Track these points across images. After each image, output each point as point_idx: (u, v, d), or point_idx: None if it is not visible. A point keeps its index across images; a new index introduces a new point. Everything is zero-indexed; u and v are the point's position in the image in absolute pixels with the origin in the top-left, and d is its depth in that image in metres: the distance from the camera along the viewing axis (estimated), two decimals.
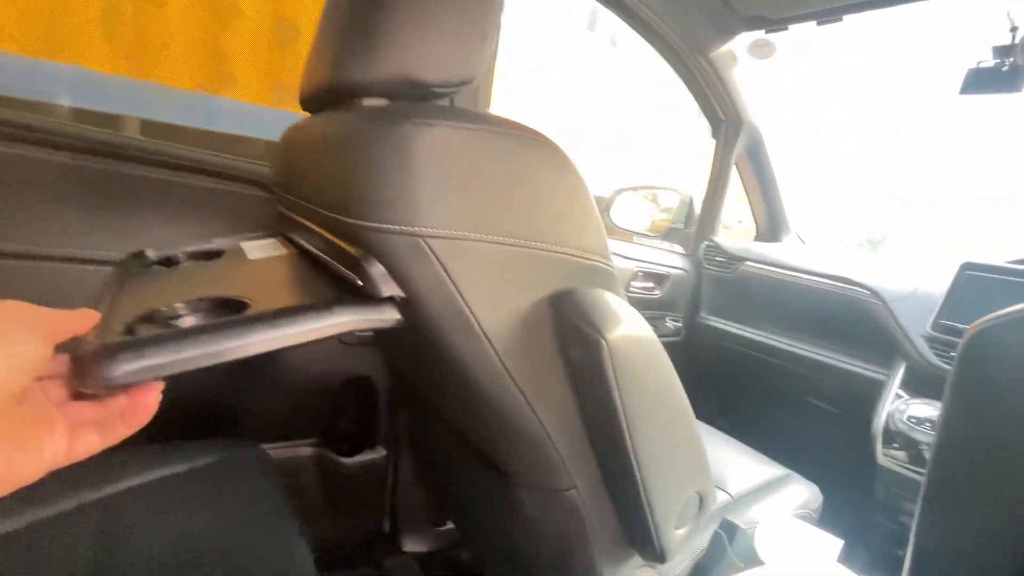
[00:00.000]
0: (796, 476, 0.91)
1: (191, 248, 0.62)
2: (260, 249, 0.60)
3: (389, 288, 0.38)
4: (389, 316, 0.39)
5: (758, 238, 1.58)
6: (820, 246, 1.53)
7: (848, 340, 1.18)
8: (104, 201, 0.74)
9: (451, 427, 0.64)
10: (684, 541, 0.55)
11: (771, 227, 1.57)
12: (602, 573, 0.56)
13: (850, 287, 1.15)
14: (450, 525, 1.10)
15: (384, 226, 0.36)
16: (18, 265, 0.71)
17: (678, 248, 1.61)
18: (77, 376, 0.28)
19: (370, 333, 0.43)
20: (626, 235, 1.68)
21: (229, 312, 0.39)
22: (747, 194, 1.57)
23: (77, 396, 0.29)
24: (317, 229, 0.47)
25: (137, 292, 0.44)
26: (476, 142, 0.37)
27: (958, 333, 0.95)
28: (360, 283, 0.38)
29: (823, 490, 0.91)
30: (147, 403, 0.30)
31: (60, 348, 0.28)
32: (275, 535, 0.62)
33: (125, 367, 0.29)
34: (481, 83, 0.98)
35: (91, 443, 0.28)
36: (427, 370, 0.57)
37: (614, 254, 1.35)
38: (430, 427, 0.78)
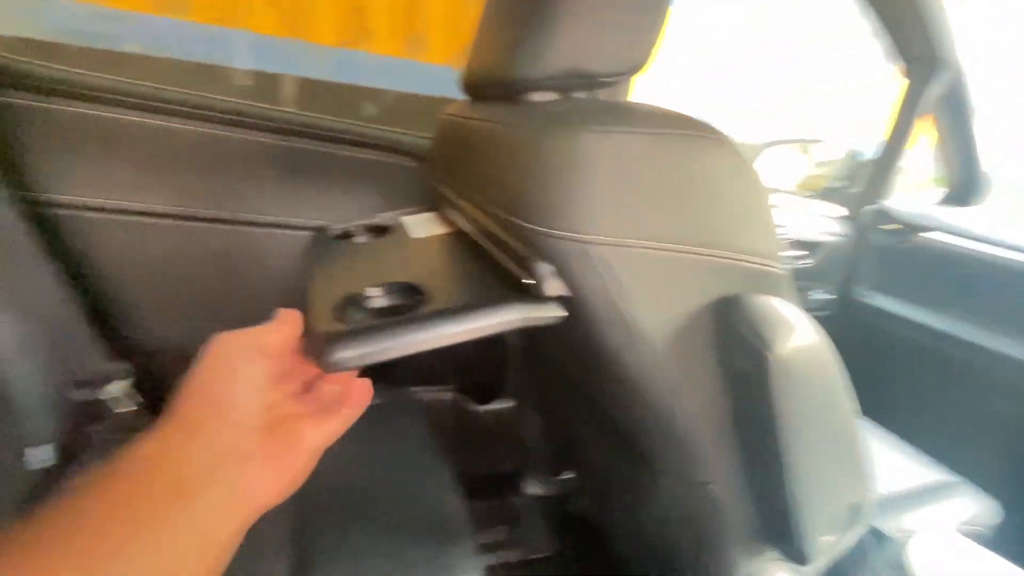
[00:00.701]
0: (967, 485, 0.81)
1: (361, 223, 0.70)
2: (422, 226, 0.66)
3: (556, 288, 0.40)
4: (555, 314, 0.41)
5: (947, 201, 1.33)
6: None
7: None
8: (287, 174, 0.85)
9: (586, 398, 0.67)
10: (831, 549, 0.53)
11: (965, 188, 1.31)
12: (735, 563, 0.56)
13: None
14: (569, 475, 1.17)
15: (553, 231, 0.37)
16: (223, 230, 0.86)
17: (839, 210, 1.42)
18: (313, 361, 0.35)
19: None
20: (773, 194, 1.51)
21: (409, 296, 0.45)
22: (939, 148, 1.31)
23: (306, 388, 0.36)
24: (478, 216, 0.49)
25: (331, 272, 0.51)
26: (653, 148, 0.36)
27: None
28: (526, 281, 0.40)
29: (1009, 507, 0.79)
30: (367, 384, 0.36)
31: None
32: (428, 468, 0.71)
33: (347, 354, 0.35)
34: None
35: (337, 424, 0.34)
36: (574, 353, 0.59)
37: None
38: (561, 391, 0.82)
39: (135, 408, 0.75)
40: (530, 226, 0.38)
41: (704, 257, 0.39)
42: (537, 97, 0.45)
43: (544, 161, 0.37)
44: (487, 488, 1.19)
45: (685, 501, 0.54)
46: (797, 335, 0.40)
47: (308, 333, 0.36)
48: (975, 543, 0.64)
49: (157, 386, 0.83)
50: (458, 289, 0.43)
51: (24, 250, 0.65)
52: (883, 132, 1.34)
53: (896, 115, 1.29)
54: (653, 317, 0.40)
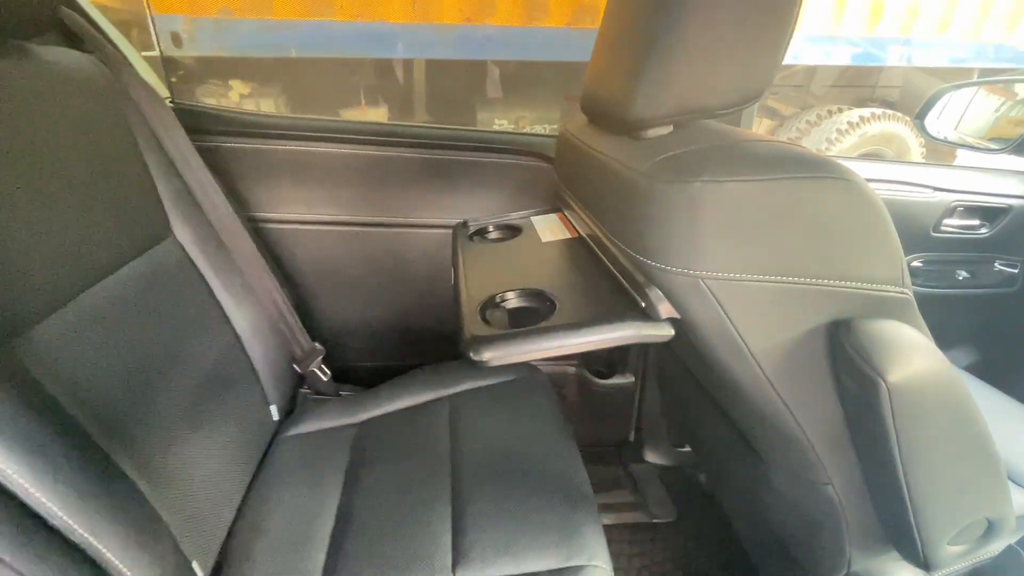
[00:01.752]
0: None
1: (496, 220, 0.80)
2: (548, 229, 0.74)
3: (667, 311, 0.45)
4: (665, 333, 0.46)
5: None
6: None
7: None
8: (430, 181, 0.98)
9: (704, 391, 0.71)
10: (959, 559, 0.52)
11: None
12: (851, 558, 0.58)
13: None
14: (687, 448, 1.21)
15: (669, 268, 0.42)
16: (380, 232, 1.02)
17: None
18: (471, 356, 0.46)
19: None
20: (945, 148, 1.30)
21: (540, 301, 0.54)
22: None
23: None
24: (595, 231, 0.56)
25: (474, 270, 0.62)
26: (762, 193, 0.39)
27: None
28: (642, 304, 0.46)
29: None
30: None
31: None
32: (556, 438, 0.81)
33: (489, 354, 0.45)
34: None
35: None
36: (692, 355, 0.63)
37: (912, 184, 1.11)
38: (680, 375, 0.86)
39: (326, 379, 0.97)
40: (647, 262, 0.43)
41: (815, 287, 0.41)
42: (652, 133, 0.49)
43: (661, 207, 0.41)
44: (610, 455, 1.28)
45: (802, 498, 0.57)
46: (916, 362, 0.41)
47: (461, 332, 0.47)
48: None
49: (341, 360, 1.06)
50: (583, 303, 0.51)
51: (253, 257, 0.86)
52: None
53: None
54: (764, 342, 0.43)
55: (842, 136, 3.11)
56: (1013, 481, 0.73)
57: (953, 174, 1.10)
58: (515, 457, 0.77)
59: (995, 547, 0.62)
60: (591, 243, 0.60)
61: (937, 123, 1.31)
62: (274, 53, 2.64)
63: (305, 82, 2.82)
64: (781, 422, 0.49)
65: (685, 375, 0.80)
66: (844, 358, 0.42)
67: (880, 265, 0.41)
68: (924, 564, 0.52)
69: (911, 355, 0.41)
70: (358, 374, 1.09)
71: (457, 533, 0.64)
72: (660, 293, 0.44)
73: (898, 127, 3.16)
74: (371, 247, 1.03)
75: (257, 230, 0.95)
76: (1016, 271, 1.15)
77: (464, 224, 0.76)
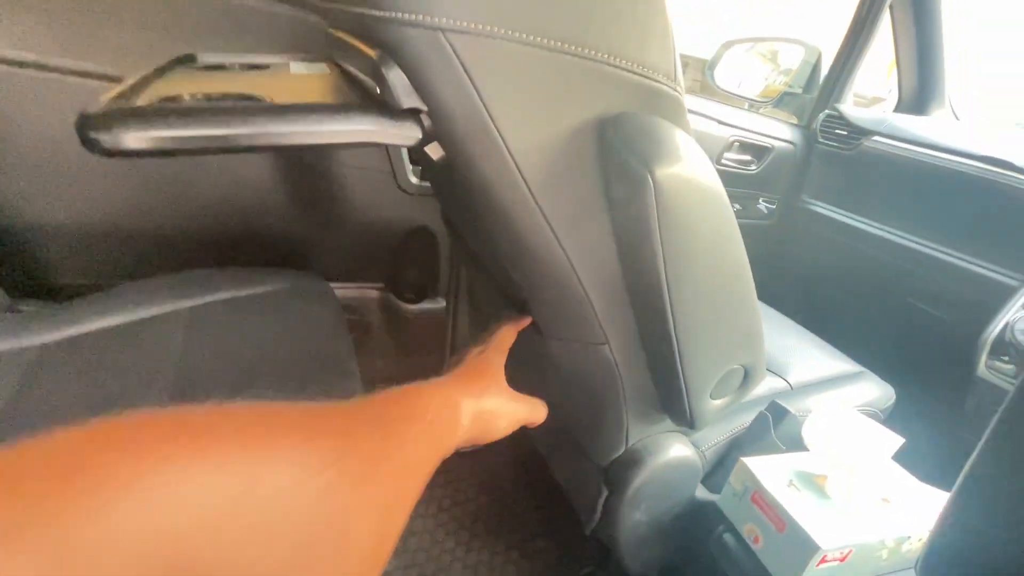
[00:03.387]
0: (869, 374, 0.83)
1: (242, 59, 0.60)
2: (305, 67, 0.57)
3: (410, 99, 0.34)
4: (410, 133, 0.35)
5: (899, 108, 1.30)
6: (980, 123, 1.23)
7: (985, 238, 0.98)
8: (155, 20, 0.73)
9: (496, 282, 0.63)
10: (719, 412, 0.52)
11: (919, 95, 1.27)
12: (629, 430, 0.56)
13: (1008, 173, 0.93)
14: None
15: (400, 15, 0.30)
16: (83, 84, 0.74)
17: (790, 117, 1.37)
18: (83, 141, 0.29)
19: (400, 145, 0.40)
20: (731, 100, 1.45)
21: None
22: (896, 51, 1.26)
23: None
24: (345, 36, 0.42)
25: (171, 83, 0.43)
26: None
27: None
28: (378, 90, 0.34)
29: (902, 394, 0.83)
30: None
31: None
32: (328, 354, 0.68)
33: (129, 133, 0.29)
34: None
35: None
36: (467, 214, 0.54)
37: (704, 116, 1.19)
38: (482, 285, 0.78)
39: None
40: (373, 12, 0.31)
41: (581, 61, 0.33)
42: None
43: None
44: None
45: (581, 367, 0.52)
46: (685, 162, 0.36)
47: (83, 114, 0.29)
48: (865, 417, 0.66)
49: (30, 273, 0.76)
50: (306, 102, 0.37)
51: None
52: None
53: (857, 14, 1.22)
54: (524, 137, 0.35)
55: None
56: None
57: (732, 112, 1.21)
58: (266, 374, 0.61)
59: (744, 418, 0.67)
60: (350, 71, 0.46)
61: (724, 77, 1.44)
62: None
63: None
64: (555, 265, 0.42)
65: (486, 281, 0.71)
66: (613, 159, 0.36)
67: (654, 49, 0.35)
68: (690, 421, 0.51)
69: (683, 155, 0.36)
70: (57, 293, 0.80)
71: None
72: (400, 76, 0.33)
73: None
74: (61, 104, 0.74)
75: None
76: (774, 206, 1.33)
77: (190, 57, 0.55)
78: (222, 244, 0.90)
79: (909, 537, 0.57)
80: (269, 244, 0.94)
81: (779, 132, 1.27)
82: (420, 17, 0.30)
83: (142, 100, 0.36)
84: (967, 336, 0.89)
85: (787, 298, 1.27)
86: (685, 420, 0.51)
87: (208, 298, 0.73)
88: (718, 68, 1.44)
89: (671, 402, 0.51)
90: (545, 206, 0.38)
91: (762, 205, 1.32)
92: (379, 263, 1.06)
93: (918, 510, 0.60)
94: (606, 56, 0.33)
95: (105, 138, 0.29)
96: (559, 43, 0.32)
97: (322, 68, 0.59)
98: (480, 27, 0.30)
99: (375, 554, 0.25)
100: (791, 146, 1.28)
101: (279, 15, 0.77)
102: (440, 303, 1.11)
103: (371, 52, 0.34)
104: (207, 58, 0.58)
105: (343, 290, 1.03)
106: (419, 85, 0.33)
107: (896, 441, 0.61)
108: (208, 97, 0.38)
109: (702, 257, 0.41)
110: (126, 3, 0.73)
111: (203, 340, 0.66)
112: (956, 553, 0.37)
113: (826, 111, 1.27)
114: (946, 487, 0.39)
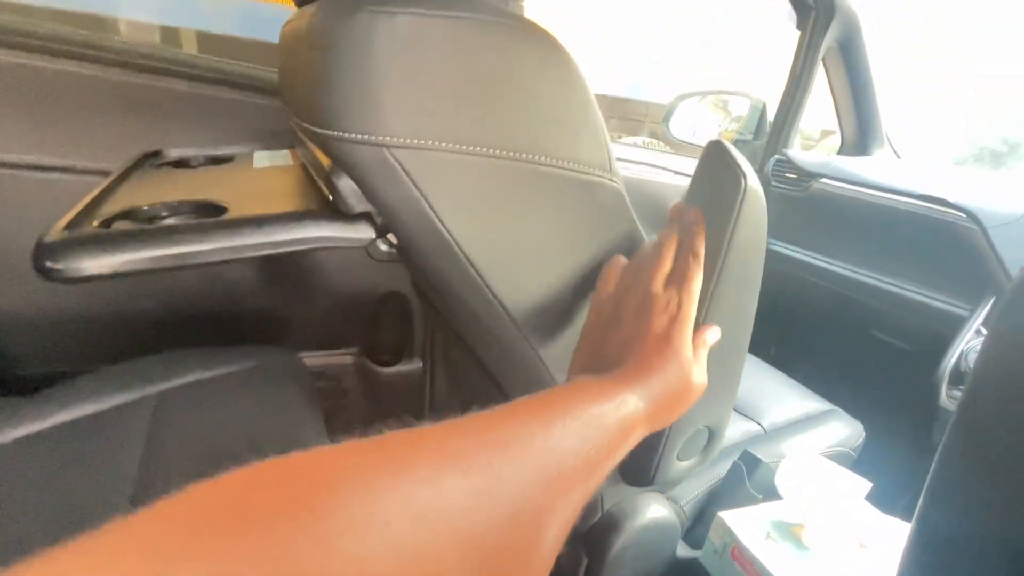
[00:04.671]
0: (839, 412, 0.85)
1: (208, 152, 0.62)
2: (268, 159, 0.60)
3: (361, 204, 0.36)
4: (363, 235, 0.37)
5: (843, 151, 1.39)
6: (916, 161, 1.31)
7: (932, 270, 1.04)
8: (127, 113, 0.75)
9: (471, 351, 0.64)
10: (685, 473, 0.53)
11: (860, 138, 1.36)
12: (603, 495, 0.56)
13: (943, 209, 0.99)
14: None
15: (346, 135, 0.32)
16: (41, 179, 0.74)
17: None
18: (37, 267, 0.29)
19: (356, 247, 0.42)
20: (687, 149, 1.53)
21: (209, 214, 0.39)
22: (834, 98, 1.35)
23: None
24: (304, 135, 0.44)
25: (136, 188, 0.45)
26: (450, 33, 0.32)
27: None
28: (331, 197, 0.36)
29: (872, 429, 0.85)
30: None
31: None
32: (300, 435, 0.67)
33: (83, 262, 0.30)
34: None
35: None
36: (430, 290, 0.56)
37: (660, 168, 1.25)
38: (456, 348, 0.79)
39: None
40: (323, 131, 0.34)
41: (521, 164, 0.36)
42: None
43: (325, 51, 0.32)
44: None
45: None
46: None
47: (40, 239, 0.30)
48: (832, 462, 0.67)
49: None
50: (265, 206, 0.38)
51: None
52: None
53: (794, 67, 1.31)
54: (473, 236, 0.37)
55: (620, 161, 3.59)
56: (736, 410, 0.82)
57: (689, 163, 1.28)
58: (233, 461, 0.60)
59: (715, 458, 0.67)
60: (310, 167, 0.48)
61: (679, 128, 1.52)
62: None
63: None
64: (517, 348, 0.43)
65: (460, 345, 0.72)
66: None
67: (586, 146, 0.38)
68: (651, 479, 0.51)
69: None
70: (23, 384, 0.78)
71: None
72: (350, 183, 0.35)
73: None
74: (29, 199, 0.74)
75: None
76: None
77: (157, 153, 0.57)
78: (192, 324, 0.90)
79: None
80: (239, 320, 0.94)
81: None
82: (367, 136, 0.32)
83: (102, 212, 0.38)
84: (930, 367, 0.92)
85: (756, 337, 1.30)
86: (648, 480, 0.52)
87: (175, 381, 0.72)
88: (672, 120, 1.53)
89: (639, 464, 0.51)
90: (503, 296, 0.40)
91: None
92: (352, 329, 1.06)
93: (893, 551, 0.61)
94: (541, 157, 0.36)
95: (61, 267, 0.29)
96: (495, 150, 0.35)
97: (285, 157, 0.61)
98: (422, 142, 0.33)
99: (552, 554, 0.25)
100: None
101: (246, 103, 0.80)
102: (416, 364, 1.11)
103: (324, 160, 0.37)
104: (173, 152, 0.60)
105: (317, 358, 1.03)
106: (368, 193, 0.35)
107: (865, 486, 0.62)
108: (167, 205, 0.40)
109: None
110: (96, 96, 0.75)
111: (169, 428, 0.65)
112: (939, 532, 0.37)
113: (775, 156, 1.35)
114: None
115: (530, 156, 0.36)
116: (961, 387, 0.86)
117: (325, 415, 0.76)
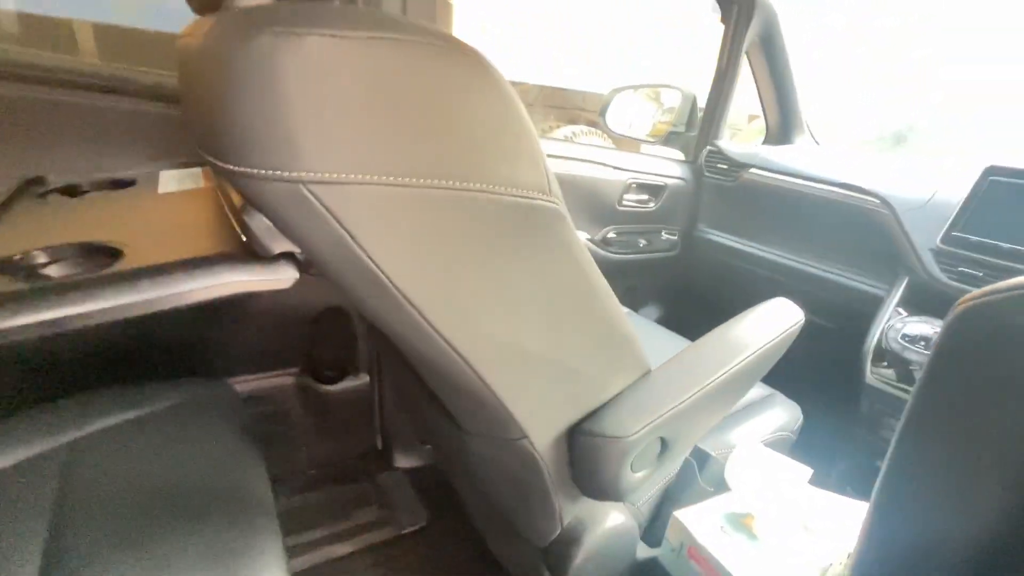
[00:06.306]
0: (778, 396, 0.89)
1: (102, 176, 0.55)
2: (175, 181, 0.54)
3: (279, 245, 0.32)
4: (286, 275, 0.33)
5: (768, 140, 1.45)
6: (834, 148, 1.39)
7: (852, 253, 1.11)
8: (12, 131, 0.66)
9: (410, 365, 0.61)
10: (642, 482, 0.53)
11: (783, 127, 1.43)
12: (561, 509, 0.55)
13: (859, 195, 1.06)
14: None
15: (256, 171, 0.29)
16: None
17: (678, 155, 1.48)
18: None
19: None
20: (623, 141, 1.55)
21: (100, 260, 0.34)
22: (758, 90, 1.41)
23: None
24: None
25: (12, 227, 0.39)
26: (363, 55, 0.29)
27: (970, 247, 0.87)
28: (244, 238, 0.32)
29: (808, 408, 0.89)
30: None
31: None
32: (233, 472, 0.62)
33: None
34: None
35: None
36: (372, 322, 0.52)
37: (603, 164, 1.26)
38: (397, 362, 0.76)
39: None
40: (229, 167, 0.30)
41: (455, 192, 0.33)
42: (247, 1, 0.36)
43: (226, 78, 0.28)
44: (355, 469, 1.11)
45: (503, 458, 0.51)
46: None
47: None
48: (773, 451, 0.70)
49: None
50: (167, 248, 0.34)
51: None
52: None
53: (720, 59, 1.35)
54: (407, 271, 0.34)
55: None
56: None
57: (627, 157, 1.29)
58: (159, 514, 0.55)
59: (672, 467, 0.69)
60: (218, 190, 0.44)
61: (615, 121, 1.54)
62: None
63: None
64: (464, 379, 0.41)
65: (400, 359, 0.69)
66: None
67: (524, 169, 0.36)
68: (608, 493, 0.51)
69: None
70: None
71: None
72: (264, 223, 0.31)
73: (601, 143, 3.84)
74: None
75: None
76: (675, 238, 1.42)
77: (39, 180, 0.50)
78: (109, 359, 0.81)
79: (831, 564, 0.60)
80: (160, 351, 0.85)
81: (670, 170, 1.36)
82: (278, 172, 0.29)
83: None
84: (857, 346, 0.99)
85: (697, 325, 1.35)
86: (608, 496, 0.52)
87: (88, 428, 0.65)
88: (609, 112, 1.54)
89: (593, 481, 0.51)
90: (444, 330, 0.37)
91: (665, 237, 1.41)
92: (292, 348, 1.00)
93: (837, 529, 0.64)
94: (475, 184, 0.34)
95: None
96: (426, 179, 0.32)
97: (196, 177, 0.56)
98: (342, 176, 0.30)
99: None
100: (682, 182, 1.38)
101: (145, 113, 0.72)
102: (363, 378, 1.06)
103: (234, 198, 0.33)
104: (58, 179, 0.52)
105: (254, 382, 0.96)
106: (286, 232, 0.32)
107: (806, 472, 0.65)
108: (48, 250, 0.34)
109: None
110: None
111: (83, 483, 0.58)
112: (879, 566, 0.39)
113: (707, 147, 1.39)
114: (859, 490, 0.41)
115: (463, 184, 0.33)
116: (884, 364, 0.93)
117: (267, 440, 0.71)
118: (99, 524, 0.53)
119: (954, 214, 0.91)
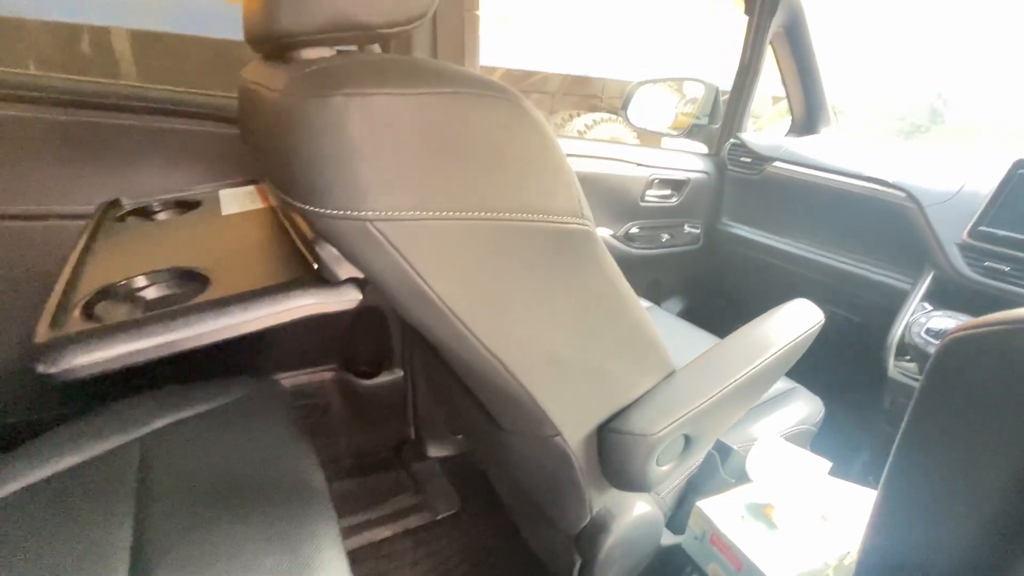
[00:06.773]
0: (800, 390, 0.92)
1: (168, 196, 0.61)
2: (236, 201, 0.59)
3: (345, 271, 0.37)
4: (350, 297, 0.38)
5: (792, 131, 1.44)
6: (857, 140, 1.38)
7: (877, 247, 1.11)
8: (81, 154, 0.72)
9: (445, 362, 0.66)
10: (667, 475, 0.57)
11: (808, 118, 1.42)
12: (590, 499, 0.60)
13: (884, 189, 1.06)
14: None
15: (328, 211, 0.33)
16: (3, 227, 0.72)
17: (701, 147, 1.49)
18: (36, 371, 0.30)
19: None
20: (645, 134, 1.55)
21: (190, 284, 0.40)
22: (783, 81, 1.40)
23: None
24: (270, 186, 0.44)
25: (105, 253, 0.44)
26: (419, 109, 0.33)
27: (997, 241, 0.88)
28: (315, 266, 0.37)
29: (830, 401, 0.91)
30: None
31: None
32: (289, 461, 0.68)
33: (74, 361, 0.30)
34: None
35: None
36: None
37: (625, 161, 1.28)
38: (432, 357, 0.81)
39: None
40: (305, 207, 0.34)
41: (494, 222, 0.37)
42: (309, 54, 0.40)
43: (301, 133, 0.32)
44: (390, 460, 1.18)
45: (537, 455, 0.55)
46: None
47: (30, 342, 0.30)
48: (795, 445, 0.73)
49: None
50: (248, 274, 0.39)
51: None
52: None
53: (744, 51, 1.35)
54: (455, 290, 0.38)
55: (581, 137, 3.61)
56: None
57: (649, 153, 1.30)
58: (229, 505, 0.61)
59: (695, 460, 0.72)
60: (278, 211, 0.49)
61: (637, 114, 1.55)
62: None
63: None
64: (501, 381, 0.45)
65: (435, 355, 0.74)
66: None
67: (558, 196, 0.40)
68: (635, 485, 0.55)
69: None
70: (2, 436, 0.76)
71: None
72: (334, 252, 0.36)
73: (621, 129, 3.81)
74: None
75: None
76: (698, 231, 1.44)
77: (115, 203, 0.56)
78: (170, 360, 0.88)
79: (849, 552, 0.64)
80: (214, 350, 0.92)
81: (693, 164, 1.37)
82: (348, 212, 0.33)
83: (80, 293, 0.37)
84: (880, 339, 1.00)
85: (720, 317, 1.37)
86: (636, 487, 0.56)
87: (159, 423, 0.71)
88: (631, 107, 1.54)
89: (621, 476, 0.55)
90: (484, 338, 0.41)
91: (688, 231, 1.42)
92: (331, 346, 1.06)
93: (855, 519, 0.67)
94: (517, 214, 0.38)
95: (55, 371, 0.30)
96: (474, 212, 0.36)
97: (253, 197, 0.61)
98: (402, 213, 0.34)
99: None
100: (705, 175, 1.39)
101: (200, 133, 0.78)
102: (397, 373, 1.12)
103: (306, 230, 0.37)
104: (129, 202, 0.58)
105: (297, 377, 1.03)
106: (354, 261, 0.36)
107: (824, 465, 0.68)
108: (147, 275, 0.39)
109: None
110: (42, 140, 0.71)
111: (159, 472, 0.64)
112: (885, 560, 0.42)
113: (731, 140, 1.39)
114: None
115: (508, 215, 0.37)
116: (907, 358, 0.94)
117: (309, 432, 0.77)
118: (178, 508, 0.60)
119: (981, 208, 0.91)
